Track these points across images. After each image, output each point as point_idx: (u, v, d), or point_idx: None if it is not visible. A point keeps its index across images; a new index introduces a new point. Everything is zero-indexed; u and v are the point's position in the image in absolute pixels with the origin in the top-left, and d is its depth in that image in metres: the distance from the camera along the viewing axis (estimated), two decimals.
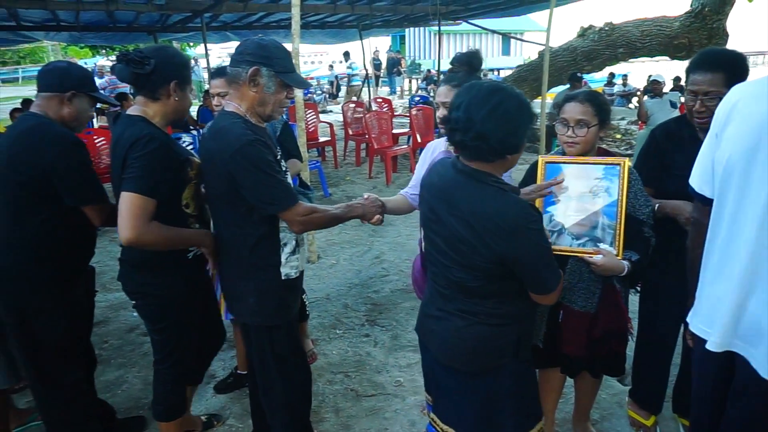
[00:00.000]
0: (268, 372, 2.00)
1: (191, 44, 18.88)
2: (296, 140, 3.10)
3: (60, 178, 1.94)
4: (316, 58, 28.16)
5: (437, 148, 2.37)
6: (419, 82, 19.31)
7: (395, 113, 10.31)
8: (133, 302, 2.06)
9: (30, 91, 19.10)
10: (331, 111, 12.18)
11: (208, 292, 2.29)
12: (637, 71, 17.47)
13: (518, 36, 19.29)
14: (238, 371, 2.93)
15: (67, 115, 2.05)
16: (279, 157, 1.90)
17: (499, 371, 1.62)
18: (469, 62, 2.24)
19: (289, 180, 1.92)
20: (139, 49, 1.91)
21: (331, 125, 8.55)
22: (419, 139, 7.95)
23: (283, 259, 1.92)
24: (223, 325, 2.43)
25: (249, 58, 1.79)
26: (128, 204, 1.75)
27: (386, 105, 10.03)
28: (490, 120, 1.44)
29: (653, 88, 8.09)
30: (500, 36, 22.36)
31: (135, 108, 1.92)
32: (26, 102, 7.48)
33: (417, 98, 10.58)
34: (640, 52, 7.53)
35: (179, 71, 1.93)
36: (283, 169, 1.91)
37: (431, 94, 13.86)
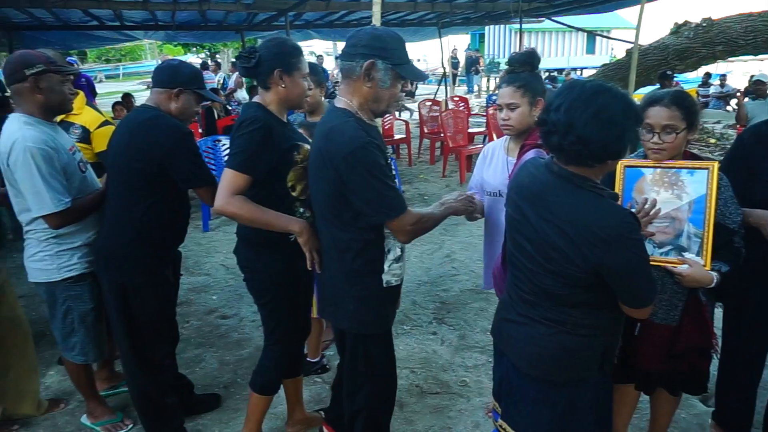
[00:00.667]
0: (356, 377, 1.99)
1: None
2: None
3: (174, 165, 2.11)
4: None
5: (496, 149, 2.34)
6: (497, 81, 18.98)
7: (472, 112, 10.19)
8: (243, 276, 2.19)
9: (130, 86, 20.60)
10: (407, 109, 12.19)
11: (309, 281, 2.29)
12: (738, 71, 16.22)
13: (605, 33, 18.45)
14: (308, 358, 3.03)
15: (174, 110, 2.20)
16: (390, 160, 1.84)
17: (582, 383, 1.54)
18: (530, 62, 2.16)
19: (398, 185, 1.88)
20: (253, 45, 2.04)
21: (406, 123, 8.59)
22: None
23: (386, 267, 1.84)
24: (310, 319, 2.44)
25: (363, 51, 1.70)
26: (222, 177, 1.90)
27: (463, 104, 9.94)
28: (592, 124, 1.35)
29: (756, 89, 7.48)
30: (585, 34, 21.49)
31: (258, 96, 2.06)
32: (126, 96, 8.07)
33: (495, 97, 10.40)
34: (742, 50, 6.98)
35: (282, 60, 1.96)
36: (393, 172, 1.84)
37: None
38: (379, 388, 2.01)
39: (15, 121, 2.14)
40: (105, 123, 3.00)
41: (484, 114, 9.32)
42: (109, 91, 18.15)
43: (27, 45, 8.91)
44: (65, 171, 2.17)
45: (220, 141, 5.91)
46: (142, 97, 12.34)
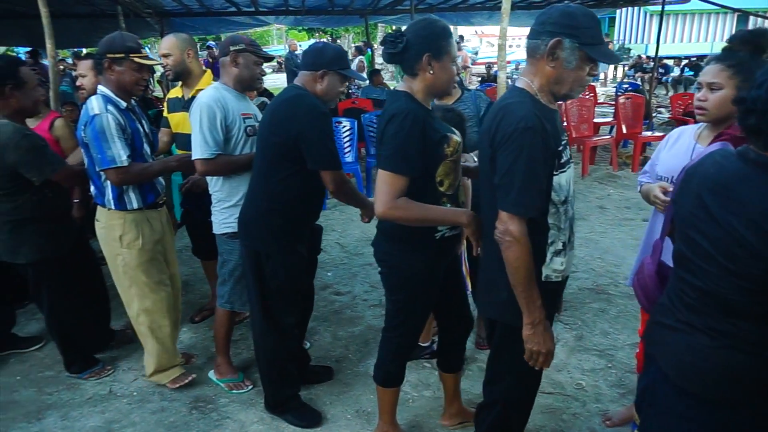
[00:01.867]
0: (499, 366, 1.90)
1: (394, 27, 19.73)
2: None
3: (306, 143, 2.17)
4: (514, 42, 27.38)
5: (684, 132, 2.13)
6: (626, 68, 17.63)
7: (598, 101, 9.57)
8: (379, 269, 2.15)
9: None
10: None
11: (454, 277, 2.27)
12: None
13: (763, 14, 16.36)
14: (419, 342, 3.04)
15: (319, 91, 2.28)
16: (562, 147, 1.67)
17: (742, 407, 1.35)
18: (755, 42, 1.90)
19: (559, 180, 1.69)
20: (399, 28, 1.95)
21: None
22: (624, 130, 7.28)
23: (547, 258, 1.72)
24: (470, 313, 2.38)
25: (551, 28, 1.58)
26: (380, 181, 1.81)
27: (589, 92, 9.35)
28: None
29: None
30: (734, 15, 19.22)
31: (402, 84, 1.97)
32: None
33: (626, 86, 9.66)
34: None
35: (431, 43, 1.83)
36: (563, 160, 1.67)
37: (640, 81, 12.56)
38: (521, 384, 1.90)
39: (212, 86, 2.55)
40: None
41: (613, 103, 8.70)
42: None
43: (174, 29, 9.79)
44: (228, 129, 2.46)
45: (340, 123, 6.08)
46: (269, 80, 13.06)
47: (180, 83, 3.10)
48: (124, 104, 2.49)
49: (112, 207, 2.52)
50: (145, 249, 2.59)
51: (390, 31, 1.95)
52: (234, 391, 2.80)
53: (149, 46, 18.71)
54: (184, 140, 2.94)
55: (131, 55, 2.44)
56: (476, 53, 22.42)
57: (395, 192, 1.78)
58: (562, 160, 1.67)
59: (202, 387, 2.86)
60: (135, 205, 2.54)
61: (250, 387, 2.83)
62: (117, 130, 2.38)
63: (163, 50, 2.99)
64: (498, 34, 4.46)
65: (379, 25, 14.56)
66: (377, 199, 1.81)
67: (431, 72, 1.85)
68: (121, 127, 2.41)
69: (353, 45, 22.81)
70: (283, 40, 29.55)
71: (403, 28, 1.91)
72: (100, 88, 2.49)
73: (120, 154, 2.37)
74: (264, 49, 2.69)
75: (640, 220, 5.20)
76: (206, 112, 2.41)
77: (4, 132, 2.47)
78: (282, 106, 2.24)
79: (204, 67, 3.19)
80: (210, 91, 2.50)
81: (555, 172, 1.65)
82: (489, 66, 15.08)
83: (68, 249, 2.78)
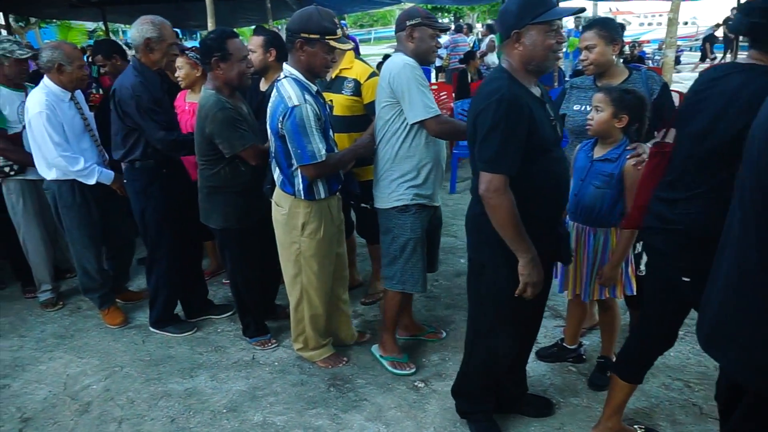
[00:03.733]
0: None
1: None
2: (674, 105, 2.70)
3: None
4: (655, 20, 24.93)
5: None
6: None
7: None
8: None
9: (381, 49, 22.02)
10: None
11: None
12: None
13: None
14: (564, 344, 2.81)
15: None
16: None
17: None
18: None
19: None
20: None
21: (680, 94, 7.41)
22: None
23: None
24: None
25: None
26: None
27: None
28: None
29: None
30: None
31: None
32: (386, 57, 8.53)
33: None
34: None
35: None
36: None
37: None
38: None
39: (395, 56, 2.51)
40: (372, 74, 3.02)
41: None
42: (364, 54, 19.75)
43: (309, 3, 10.03)
44: None
45: None
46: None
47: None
48: (314, 88, 2.44)
49: (302, 197, 2.49)
50: (324, 240, 2.58)
51: None
52: (397, 370, 2.76)
53: (279, 27, 19.53)
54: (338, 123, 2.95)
55: (327, 37, 2.31)
56: None
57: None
58: None
59: (339, 366, 2.87)
60: (322, 195, 2.52)
61: (413, 370, 2.76)
62: (315, 121, 2.31)
63: (249, 47, 3.00)
64: (633, 11, 3.95)
65: None
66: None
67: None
68: (317, 116, 2.34)
69: (478, 24, 22.14)
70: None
71: None
72: (289, 69, 2.40)
73: (319, 148, 2.33)
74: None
75: None
76: (413, 73, 2.37)
77: (208, 102, 2.60)
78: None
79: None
80: (403, 58, 2.45)
81: None
82: (634, 45, 13.80)
83: (252, 222, 2.83)
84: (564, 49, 11.28)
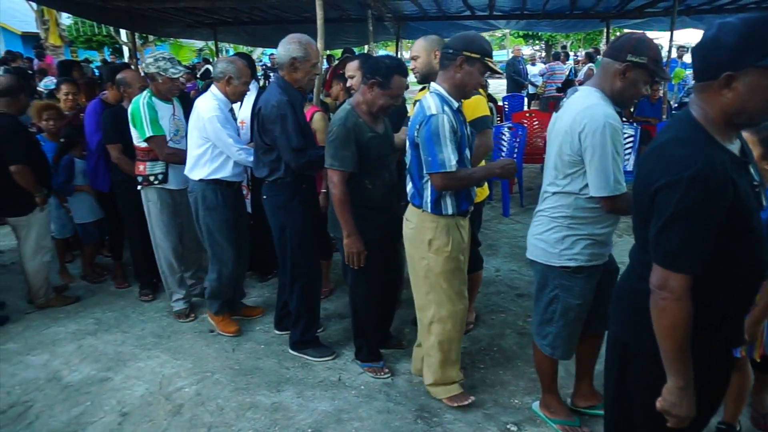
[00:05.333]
0: None
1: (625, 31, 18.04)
2: None
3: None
4: None
5: None
6: None
7: None
8: None
9: None
10: None
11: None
12: None
13: None
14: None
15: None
16: None
17: None
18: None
19: None
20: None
21: None
22: None
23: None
24: None
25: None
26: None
27: None
28: None
29: None
30: None
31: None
32: None
33: None
34: None
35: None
36: None
37: None
38: None
39: (589, 95, 2.08)
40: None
41: None
42: None
43: (408, 34, 10.20)
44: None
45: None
46: (492, 84, 12.89)
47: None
48: (456, 104, 2.43)
49: (428, 210, 2.47)
50: (452, 256, 2.52)
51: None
52: None
53: (382, 48, 19.94)
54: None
55: (486, 58, 2.39)
56: None
57: None
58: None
59: (427, 396, 2.75)
60: (450, 211, 2.47)
61: None
62: (450, 133, 2.32)
63: (413, 53, 2.97)
64: None
65: (626, 30, 13.23)
66: None
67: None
68: (453, 129, 2.35)
69: (573, 51, 21.54)
70: (507, 44, 29.32)
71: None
72: (434, 85, 2.44)
73: (450, 158, 2.31)
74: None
75: None
76: (612, 137, 2.00)
77: (338, 114, 2.71)
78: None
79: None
80: (607, 108, 2.05)
81: None
82: None
83: (374, 239, 2.78)
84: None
